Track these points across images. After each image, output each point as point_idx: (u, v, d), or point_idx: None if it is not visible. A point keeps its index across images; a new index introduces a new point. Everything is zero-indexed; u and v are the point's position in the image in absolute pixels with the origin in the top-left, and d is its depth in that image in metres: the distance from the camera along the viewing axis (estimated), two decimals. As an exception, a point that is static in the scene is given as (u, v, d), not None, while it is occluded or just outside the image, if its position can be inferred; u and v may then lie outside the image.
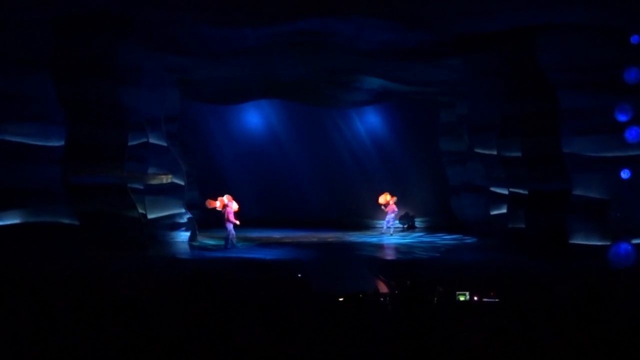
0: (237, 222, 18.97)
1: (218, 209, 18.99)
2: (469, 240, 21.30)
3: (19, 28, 15.43)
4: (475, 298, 9.52)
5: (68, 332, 6.77)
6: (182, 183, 19.43)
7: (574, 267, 15.02)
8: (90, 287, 10.32)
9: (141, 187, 18.27)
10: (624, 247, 15.63)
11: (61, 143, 16.40)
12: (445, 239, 21.95)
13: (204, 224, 22.17)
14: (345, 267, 16.49)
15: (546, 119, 16.77)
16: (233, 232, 19.06)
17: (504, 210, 19.55)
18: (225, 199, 19.05)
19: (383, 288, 12.55)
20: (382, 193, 23.26)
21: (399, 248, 20.25)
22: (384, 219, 23.37)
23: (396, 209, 23.22)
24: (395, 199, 23.12)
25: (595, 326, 7.39)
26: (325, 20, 16.47)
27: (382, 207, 23.17)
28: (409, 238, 22.45)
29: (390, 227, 23.14)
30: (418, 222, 25.26)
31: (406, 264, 16.70)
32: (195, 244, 19.63)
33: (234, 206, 19.00)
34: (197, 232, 20.44)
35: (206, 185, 23.13)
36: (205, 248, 19.14)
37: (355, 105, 23.55)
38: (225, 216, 18.94)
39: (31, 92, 16.03)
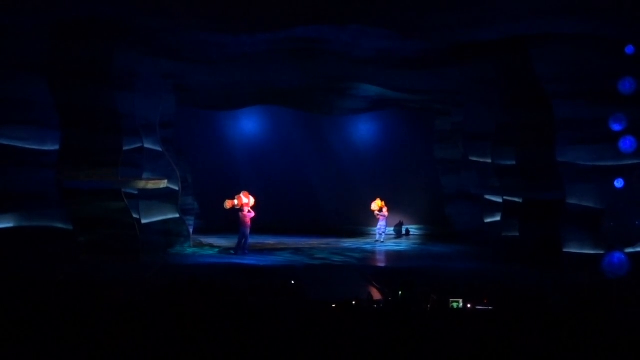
0: (250, 218, 18.84)
1: (237, 207, 18.78)
2: (463, 248, 21.28)
3: (15, 32, 15.39)
4: (469, 306, 9.56)
5: (60, 337, 6.75)
6: (177, 188, 19.41)
7: (567, 276, 15.07)
8: (84, 292, 10.30)
9: (136, 192, 18.25)
10: (618, 256, 15.67)
11: (56, 147, 16.37)
12: (439, 246, 21.94)
13: (198, 230, 22.14)
14: (339, 274, 16.46)
15: (541, 128, 16.85)
16: (248, 237, 18.95)
17: (498, 219, 19.61)
18: (242, 195, 18.89)
19: (377, 295, 12.54)
20: (374, 199, 23.24)
21: (392, 255, 20.22)
22: (376, 226, 23.34)
23: (386, 214, 23.14)
24: (383, 203, 23.07)
25: (587, 335, 7.41)
26: (322, 28, 16.50)
27: (375, 213, 23.13)
28: (403, 245, 22.44)
29: (382, 234, 23.11)
30: (412, 230, 25.22)
31: (400, 272, 16.67)
32: (189, 249, 19.59)
33: (250, 201, 18.89)
34: (191, 238, 20.40)
35: (201, 191, 23.09)
36: (199, 254, 19.08)
37: (351, 112, 23.54)
38: (241, 219, 18.78)
39: (26, 96, 15.97)
